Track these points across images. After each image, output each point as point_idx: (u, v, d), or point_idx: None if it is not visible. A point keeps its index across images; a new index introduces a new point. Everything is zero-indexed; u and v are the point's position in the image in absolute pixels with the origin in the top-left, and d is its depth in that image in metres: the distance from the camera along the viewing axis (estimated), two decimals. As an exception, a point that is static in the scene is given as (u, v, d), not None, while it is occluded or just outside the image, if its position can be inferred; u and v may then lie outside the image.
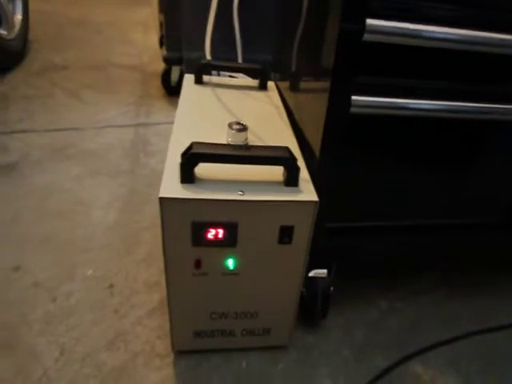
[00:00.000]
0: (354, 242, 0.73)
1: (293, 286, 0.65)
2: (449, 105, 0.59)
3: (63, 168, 1.12)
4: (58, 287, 0.78)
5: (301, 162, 0.61)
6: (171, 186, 0.54)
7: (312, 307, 0.74)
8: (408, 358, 0.75)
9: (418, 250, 0.78)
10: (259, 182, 0.57)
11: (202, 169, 0.55)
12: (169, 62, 1.48)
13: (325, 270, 0.73)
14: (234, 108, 0.74)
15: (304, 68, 0.71)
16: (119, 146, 1.24)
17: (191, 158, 0.53)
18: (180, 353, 0.70)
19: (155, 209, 1.01)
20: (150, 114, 1.45)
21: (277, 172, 0.57)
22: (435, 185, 0.70)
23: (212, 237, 0.56)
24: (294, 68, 0.77)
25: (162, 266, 0.83)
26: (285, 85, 0.83)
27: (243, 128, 0.62)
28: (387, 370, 0.73)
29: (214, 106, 0.75)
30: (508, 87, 0.62)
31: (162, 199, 0.52)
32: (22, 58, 1.74)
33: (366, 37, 0.50)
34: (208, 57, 1.03)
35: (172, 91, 1.57)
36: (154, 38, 2.00)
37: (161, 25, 1.70)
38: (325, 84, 0.55)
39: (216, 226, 0.55)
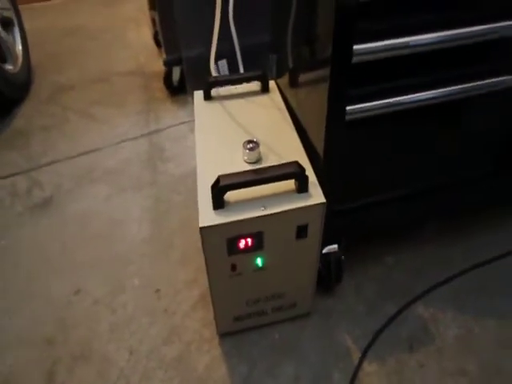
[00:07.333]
0: (359, 217, 0.85)
1: (311, 268, 0.78)
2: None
3: (93, 191, 1.23)
4: (114, 301, 0.93)
5: (306, 164, 0.71)
6: (207, 215, 0.65)
7: (327, 277, 0.87)
8: (412, 302, 0.88)
9: (413, 213, 0.88)
10: (275, 194, 0.68)
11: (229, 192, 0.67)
12: (169, 64, 1.51)
13: (335, 245, 0.85)
14: (243, 121, 0.83)
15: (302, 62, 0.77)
16: (137, 159, 1.34)
17: (220, 189, 0.64)
18: (223, 335, 0.84)
19: (181, 213, 1.13)
20: (159, 119, 1.52)
21: (289, 182, 0.68)
22: (425, 156, 0.81)
23: (243, 246, 0.69)
24: (291, 64, 0.84)
25: (196, 265, 0.99)
26: (284, 82, 0.90)
27: (256, 146, 0.73)
28: (394, 317, 0.85)
29: (226, 122, 0.84)
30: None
31: (202, 228, 0.64)
32: (29, 86, 1.78)
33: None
34: (213, 73, 1.07)
35: (175, 91, 1.62)
36: (147, 33, 2.02)
37: (153, 21, 1.69)
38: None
39: (246, 236, 0.68)
